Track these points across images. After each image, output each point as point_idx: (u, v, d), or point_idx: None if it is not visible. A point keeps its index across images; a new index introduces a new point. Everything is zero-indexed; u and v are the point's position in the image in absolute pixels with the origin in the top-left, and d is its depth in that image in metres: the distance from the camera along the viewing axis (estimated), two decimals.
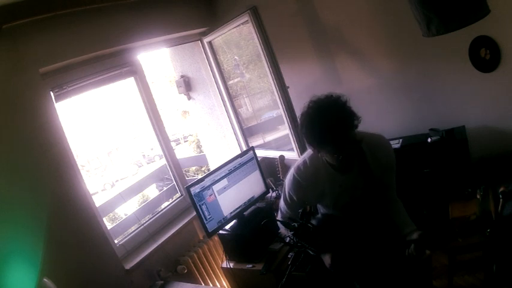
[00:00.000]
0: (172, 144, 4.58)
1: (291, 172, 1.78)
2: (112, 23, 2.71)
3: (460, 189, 2.32)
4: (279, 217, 1.94)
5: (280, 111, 3.24)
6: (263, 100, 3.60)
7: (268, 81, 3.23)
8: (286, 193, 1.83)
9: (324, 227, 1.78)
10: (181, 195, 3.10)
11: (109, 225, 2.88)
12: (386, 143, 1.75)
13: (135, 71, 2.92)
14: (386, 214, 1.78)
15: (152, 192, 8.35)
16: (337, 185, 1.71)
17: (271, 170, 3.48)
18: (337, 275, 1.71)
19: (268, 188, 3.00)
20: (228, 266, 2.65)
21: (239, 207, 2.72)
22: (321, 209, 1.94)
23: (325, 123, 1.47)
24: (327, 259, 1.68)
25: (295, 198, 1.80)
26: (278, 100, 3.20)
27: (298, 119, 1.63)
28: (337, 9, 2.79)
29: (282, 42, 3.12)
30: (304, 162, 1.73)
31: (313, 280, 1.92)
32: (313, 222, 1.82)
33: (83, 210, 2.30)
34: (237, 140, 3.74)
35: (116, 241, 2.58)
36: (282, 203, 1.90)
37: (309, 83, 3.13)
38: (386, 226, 1.79)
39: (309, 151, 1.73)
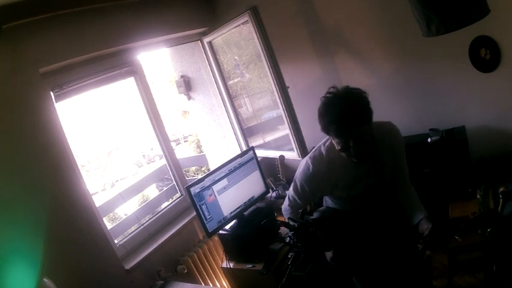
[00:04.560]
0: (172, 144, 4.58)
1: (307, 162, 1.75)
2: (112, 23, 2.71)
3: (460, 189, 2.32)
4: (285, 204, 1.93)
5: (280, 111, 3.24)
6: (263, 100, 3.60)
7: (268, 81, 3.23)
8: (298, 183, 1.81)
9: (328, 221, 1.77)
10: (181, 195, 3.10)
11: (109, 225, 2.88)
12: (395, 128, 1.75)
13: (135, 71, 2.92)
14: (397, 202, 1.77)
15: (152, 192, 8.35)
16: (352, 176, 1.70)
17: (271, 170, 3.48)
18: (337, 268, 1.72)
19: (268, 188, 3.00)
20: (228, 266, 2.65)
21: (239, 207, 2.72)
22: (328, 202, 1.93)
23: (332, 112, 1.49)
24: (328, 253, 1.68)
25: (307, 189, 1.78)
26: (278, 100, 3.20)
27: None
28: (337, 9, 2.79)
29: (282, 42, 3.12)
30: (320, 153, 1.72)
31: (313, 280, 1.92)
32: (316, 214, 1.82)
33: (83, 210, 2.30)
34: (237, 140, 3.74)
35: (116, 241, 2.58)
36: (291, 192, 1.87)
37: (308, 83, 3.13)
38: (397, 218, 1.79)
39: (325, 142, 1.72)
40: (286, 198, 1.94)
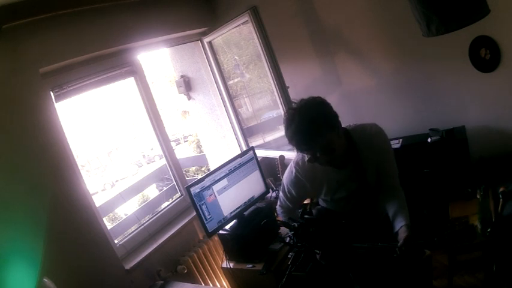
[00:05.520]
0: (172, 144, 4.58)
1: (290, 167, 1.80)
2: (112, 23, 2.71)
3: (460, 189, 2.32)
4: (277, 205, 1.99)
5: (280, 111, 3.24)
6: (263, 100, 3.60)
7: (268, 81, 3.23)
8: (285, 187, 1.86)
9: (319, 220, 1.78)
10: (181, 195, 3.10)
11: (109, 225, 2.88)
12: (377, 131, 1.72)
13: (135, 71, 2.92)
14: (383, 206, 1.76)
15: (152, 192, 8.35)
16: (334, 181, 1.73)
17: (271, 170, 3.48)
18: (329, 266, 1.72)
19: (268, 188, 2.99)
20: (228, 266, 2.65)
21: (239, 207, 2.72)
22: (320, 202, 1.97)
23: (290, 130, 1.52)
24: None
25: (293, 192, 1.84)
26: (278, 100, 3.20)
27: None
28: (337, 9, 2.79)
29: (282, 42, 3.12)
30: (303, 158, 1.74)
31: (313, 280, 1.92)
32: (314, 211, 1.84)
33: (83, 210, 2.30)
34: (237, 140, 3.74)
35: (116, 241, 2.58)
36: (281, 194, 1.93)
37: (309, 83, 3.13)
38: (381, 221, 1.79)
39: None
40: (278, 199, 1.98)
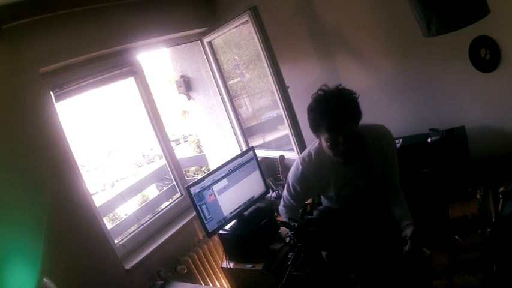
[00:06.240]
0: (172, 144, 4.58)
1: (297, 163, 1.80)
2: (112, 23, 2.71)
3: (460, 189, 2.32)
4: (280, 205, 1.97)
5: (280, 111, 3.24)
6: (263, 100, 3.60)
7: (268, 81, 3.23)
8: (290, 184, 1.85)
9: (324, 219, 1.79)
10: (181, 195, 3.10)
11: (109, 225, 2.88)
12: (387, 133, 1.77)
13: (135, 71, 2.92)
14: (387, 206, 1.79)
15: (152, 192, 8.35)
16: (341, 176, 1.73)
17: (271, 170, 3.48)
18: (333, 266, 1.72)
19: (268, 188, 3.00)
20: (228, 266, 2.65)
21: (239, 207, 2.72)
22: (324, 201, 1.97)
23: (325, 108, 1.53)
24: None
25: (299, 189, 1.83)
26: (278, 100, 3.20)
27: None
28: (337, 9, 2.79)
29: (282, 42, 3.12)
30: (309, 154, 1.75)
31: (313, 280, 1.92)
32: (315, 213, 1.84)
33: (83, 210, 2.30)
34: (237, 140, 3.74)
35: (116, 241, 2.58)
36: (285, 193, 1.93)
37: (309, 83, 3.13)
38: (387, 219, 1.79)
39: (314, 143, 1.75)
40: (282, 199, 1.97)
